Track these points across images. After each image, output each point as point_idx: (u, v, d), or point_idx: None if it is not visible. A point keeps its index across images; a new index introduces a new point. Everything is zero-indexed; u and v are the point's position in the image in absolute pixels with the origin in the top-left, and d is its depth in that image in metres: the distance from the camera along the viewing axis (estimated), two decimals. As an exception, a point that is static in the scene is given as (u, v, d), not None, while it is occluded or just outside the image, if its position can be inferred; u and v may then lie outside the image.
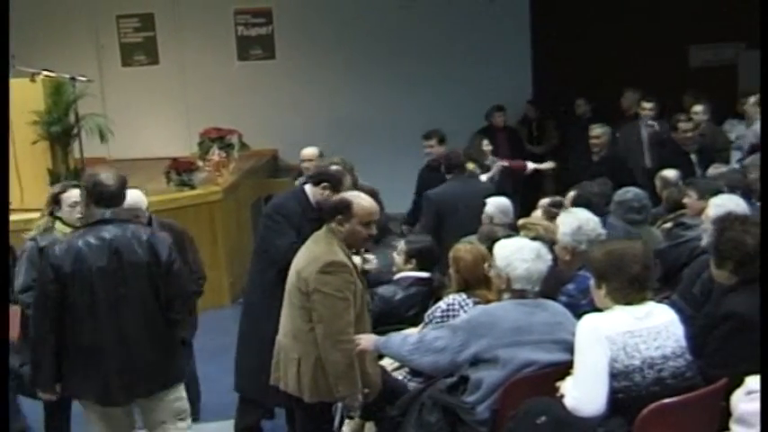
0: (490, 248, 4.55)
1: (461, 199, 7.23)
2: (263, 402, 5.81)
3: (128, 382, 4.60)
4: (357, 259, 4.91)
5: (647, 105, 9.59)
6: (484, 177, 8.71)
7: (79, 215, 5.43)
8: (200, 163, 9.60)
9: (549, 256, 4.35)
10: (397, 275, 5.69)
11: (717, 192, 5.79)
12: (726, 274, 4.09)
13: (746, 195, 5.98)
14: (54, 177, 8.12)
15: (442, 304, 4.90)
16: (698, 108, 9.31)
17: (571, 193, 6.16)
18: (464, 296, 4.87)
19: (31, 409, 5.79)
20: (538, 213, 6.46)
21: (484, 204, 6.69)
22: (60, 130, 8.21)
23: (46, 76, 8.25)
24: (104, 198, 4.61)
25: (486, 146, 9.31)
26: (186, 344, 6.41)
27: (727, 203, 5.22)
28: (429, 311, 4.98)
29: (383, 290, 5.51)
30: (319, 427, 4.89)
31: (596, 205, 5.95)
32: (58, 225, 5.56)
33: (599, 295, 3.92)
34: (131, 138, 11.36)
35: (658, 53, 11.70)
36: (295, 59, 12.41)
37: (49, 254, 4.59)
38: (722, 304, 4.00)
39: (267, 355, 4.98)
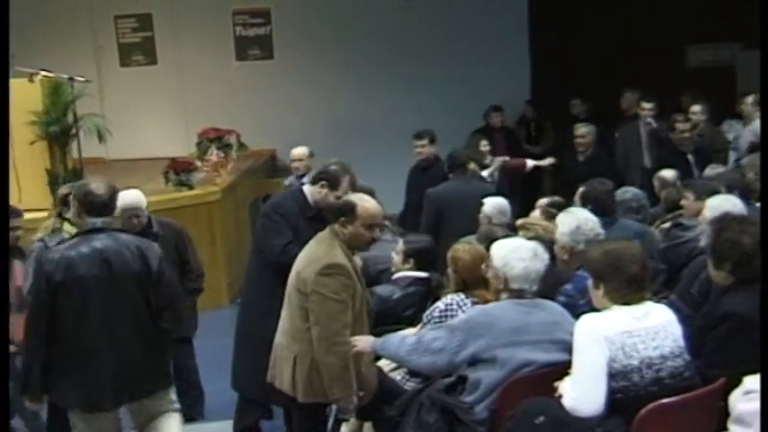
0: (489, 248, 4.55)
1: (462, 198, 7.21)
2: (261, 402, 5.81)
3: (117, 389, 4.63)
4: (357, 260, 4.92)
5: (647, 106, 9.59)
6: (485, 173, 8.72)
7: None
8: (198, 163, 9.61)
9: (545, 256, 4.35)
10: (395, 275, 5.68)
11: (714, 192, 5.79)
12: (723, 275, 4.10)
13: (744, 195, 5.98)
14: (52, 177, 8.13)
15: (440, 304, 4.90)
16: (696, 108, 9.31)
17: (580, 190, 6.14)
18: (462, 296, 4.87)
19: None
20: (536, 213, 6.46)
21: (482, 204, 6.69)
22: (58, 130, 8.21)
23: (44, 76, 8.25)
24: (95, 207, 4.64)
25: (485, 146, 9.30)
26: (188, 342, 6.47)
27: (724, 204, 5.22)
28: (427, 311, 4.98)
29: (381, 289, 5.51)
30: (316, 426, 4.90)
31: (604, 202, 5.93)
32: (66, 226, 5.59)
33: (597, 295, 3.92)
34: (130, 138, 11.36)
35: (656, 53, 11.71)
36: (293, 60, 12.41)
37: (41, 263, 4.62)
38: (720, 304, 4.00)
39: (264, 355, 4.98)
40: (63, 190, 5.88)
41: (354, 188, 5.71)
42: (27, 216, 6.24)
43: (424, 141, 8.68)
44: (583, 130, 9.36)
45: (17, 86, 7.61)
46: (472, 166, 8.11)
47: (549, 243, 5.04)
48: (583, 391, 3.73)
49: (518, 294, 4.24)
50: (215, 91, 12.33)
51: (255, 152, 11.11)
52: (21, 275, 5.75)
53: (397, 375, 4.94)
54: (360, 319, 4.62)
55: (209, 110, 11.60)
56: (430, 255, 5.72)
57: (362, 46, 12.18)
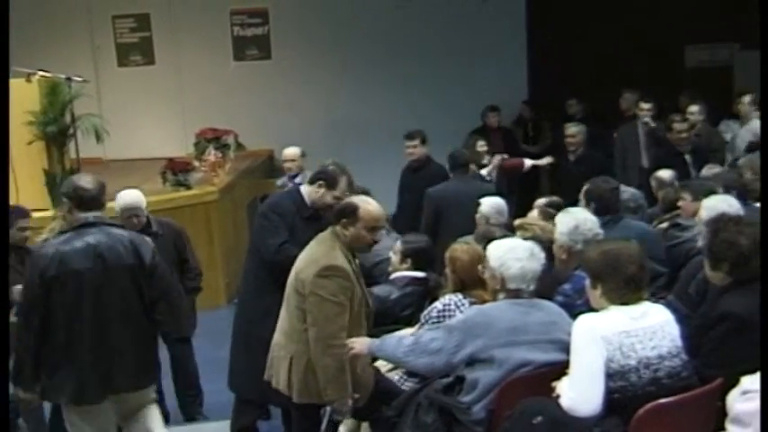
0: (486, 249, 4.55)
1: (462, 198, 7.19)
2: (258, 402, 5.82)
3: (110, 381, 4.68)
4: None
5: (645, 106, 9.59)
6: (483, 172, 8.71)
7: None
8: (196, 163, 9.62)
9: (542, 255, 4.35)
10: (393, 275, 5.68)
11: (711, 192, 5.79)
12: (721, 276, 4.09)
13: (742, 196, 5.98)
14: (50, 178, 8.13)
15: (438, 304, 4.90)
16: (693, 108, 9.32)
17: (584, 188, 6.14)
18: (460, 296, 4.87)
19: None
20: (534, 213, 6.46)
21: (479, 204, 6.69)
22: (56, 130, 8.21)
23: (42, 76, 8.25)
24: (85, 202, 4.66)
25: (482, 146, 9.30)
26: (187, 342, 6.48)
27: (719, 205, 5.22)
28: (425, 312, 4.98)
29: (378, 290, 5.50)
30: (314, 426, 4.90)
31: (608, 200, 5.92)
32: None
33: (594, 296, 3.92)
34: (127, 138, 11.37)
35: (654, 53, 11.72)
36: (291, 60, 12.42)
37: (34, 259, 4.64)
38: (718, 305, 4.00)
39: (261, 356, 4.99)
40: None
41: (352, 188, 5.71)
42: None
43: (416, 142, 8.63)
44: (573, 130, 9.31)
45: (15, 86, 7.60)
46: (471, 166, 8.12)
47: (546, 243, 5.04)
48: (580, 391, 3.73)
49: (515, 294, 4.24)
50: (213, 91, 12.34)
51: (253, 152, 11.12)
52: None
53: (395, 376, 4.93)
54: (358, 321, 4.62)
55: (207, 110, 11.61)
56: (427, 255, 5.72)
57: (360, 46, 12.18)
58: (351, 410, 4.67)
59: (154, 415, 4.98)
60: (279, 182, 8.79)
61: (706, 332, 3.97)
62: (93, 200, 4.67)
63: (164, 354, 6.44)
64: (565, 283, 4.78)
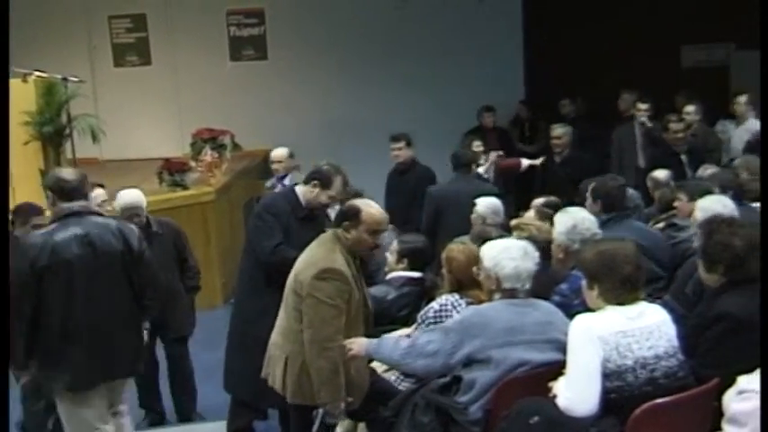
0: (482, 249, 4.55)
1: (463, 198, 7.15)
2: (253, 404, 5.81)
3: (105, 368, 4.78)
4: None
5: (643, 106, 9.58)
6: (481, 170, 8.70)
7: (105, 213, 5.59)
8: (192, 163, 9.61)
9: (536, 254, 4.35)
10: (389, 275, 5.68)
11: (706, 193, 5.78)
12: (716, 278, 4.09)
13: (737, 196, 5.98)
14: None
15: (434, 305, 4.89)
16: (690, 108, 9.31)
17: (591, 185, 6.14)
18: (457, 297, 4.87)
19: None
20: (530, 214, 6.46)
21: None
22: (52, 130, 8.20)
23: (38, 76, 8.25)
24: (67, 192, 4.76)
25: (477, 146, 9.29)
26: (183, 342, 6.48)
27: (714, 206, 5.21)
28: (422, 312, 4.98)
29: (375, 290, 5.50)
30: (307, 427, 4.90)
31: (614, 198, 5.91)
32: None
33: (591, 296, 3.92)
34: (124, 138, 11.36)
35: (650, 53, 11.72)
36: (287, 60, 12.41)
37: (24, 249, 4.68)
38: (714, 305, 4.00)
39: (257, 357, 4.99)
40: None
41: (346, 187, 5.73)
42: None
43: (401, 144, 8.54)
44: (559, 131, 9.26)
45: (11, 86, 7.62)
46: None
47: (542, 243, 5.04)
48: (577, 391, 3.73)
49: (511, 294, 4.24)
50: (209, 91, 12.32)
51: (250, 153, 11.10)
52: None
53: (392, 376, 4.93)
54: (355, 324, 4.62)
55: (204, 110, 11.59)
56: (424, 255, 5.72)
57: (356, 46, 12.18)
58: (343, 413, 4.68)
59: (126, 418, 5.10)
60: (268, 183, 8.75)
61: (702, 332, 3.97)
62: (74, 190, 4.77)
63: (160, 354, 6.46)
64: (562, 282, 4.79)
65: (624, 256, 3.87)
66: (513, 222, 5.88)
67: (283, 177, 8.28)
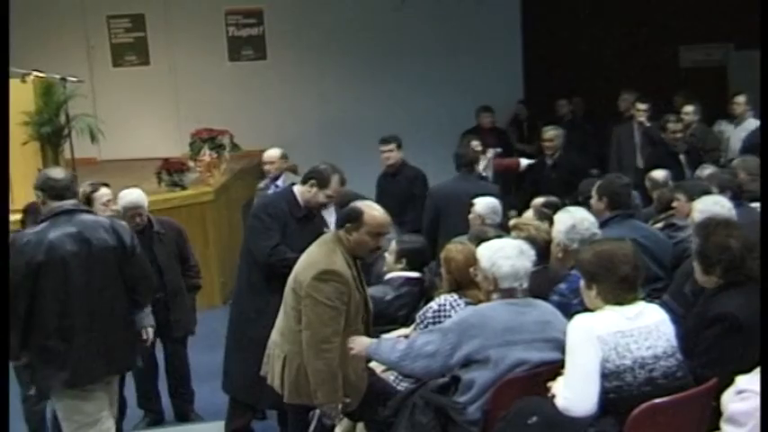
0: (480, 249, 4.55)
1: (464, 197, 7.11)
2: (251, 404, 5.81)
3: (97, 364, 4.79)
4: None
5: (642, 107, 9.58)
6: (480, 167, 8.69)
7: (111, 213, 5.71)
8: (191, 163, 9.61)
9: (532, 253, 4.34)
10: (388, 275, 5.68)
11: (705, 193, 5.78)
12: (714, 280, 4.08)
13: (736, 196, 5.99)
14: (44, 178, 8.09)
15: (433, 305, 4.89)
16: (689, 108, 9.32)
17: (596, 184, 6.14)
18: (456, 297, 4.86)
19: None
20: (529, 214, 6.45)
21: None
22: (51, 130, 8.20)
23: (36, 76, 8.25)
24: (57, 190, 4.81)
25: (476, 146, 9.26)
26: (182, 342, 6.48)
27: (711, 207, 5.21)
28: (420, 312, 4.97)
29: (374, 290, 5.49)
30: (304, 428, 4.90)
31: (620, 196, 5.91)
32: (104, 219, 5.58)
33: (589, 296, 3.92)
34: (122, 138, 11.36)
35: (649, 53, 11.74)
36: (286, 60, 12.42)
37: (18, 247, 4.69)
38: (713, 305, 4.00)
39: (254, 357, 5.00)
40: (84, 189, 5.89)
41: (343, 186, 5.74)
42: (18, 217, 6.23)
43: (392, 146, 8.44)
44: (551, 134, 9.15)
45: (10, 87, 7.59)
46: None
47: (541, 243, 5.05)
48: (576, 392, 3.73)
49: (509, 294, 4.24)
50: (208, 91, 12.33)
51: (248, 153, 11.08)
52: None
53: (390, 376, 4.93)
54: (355, 326, 4.62)
55: (202, 110, 11.60)
56: (422, 255, 5.72)
57: (355, 47, 12.18)
58: (340, 415, 4.68)
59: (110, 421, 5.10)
60: (261, 184, 8.72)
61: (701, 332, 3.97)
62: (64, 189, 4.83)
63: (159, 354, 6.46)
64: (561, 282, 4.79)
65: (622, 255, 3.87)
66: (512, 222, 5.88)
67: (276, 178, 8.26)
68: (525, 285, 4.26)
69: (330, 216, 6.12)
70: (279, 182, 8.08)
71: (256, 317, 5.37)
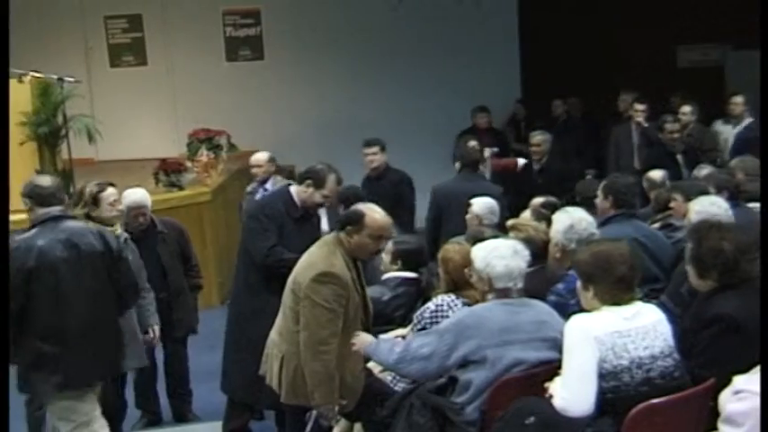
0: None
1: (465, 196, 7.08)
2: (249, 404, 5.81)
3: (89, 368, 4.84)
4: None
5: (640, 107, 9.58)
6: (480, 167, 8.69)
7: (117, 213, 5.75)
8: (188, 164, 9.61)
9: (526, 253, 4.34)
10: (385, 276, 5.68)
11: (702, 193, 5.79)
12: (709, 283, 4.05)
13: (733, 197, 5.99)
14: (42, 179, 8.08)
15: (430, 305, 4.88)
16: (686, 109, 9.33)
17: (602, 183, 6.14)
18: (453, 297, 4.85)
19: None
20: (527, 214, 6.45)
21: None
22: (48, 131, 8.19)
23: (34, 76, 8.25)
24: (44, 197, 4.87)
25: (475, 147, 9.25)
26: (181, 343, 6.48)
27: (708, 208, 5.20)
28: (418, 312, 4.96)
29: (371, 291, 5.48)
30: (301, 429, 4.91)
31: (625, 195, 5.91)
32: (91, 225, 5.58)
33: (586, 297, 3.92)
34: (120, 139, 11.34)
35: (646, 54, 11.73)
36: (283, 60, 12.41)
37: (11, 255, 4.71)
38: (710, 306, 4.00)
39: (252, 357, 5.00)
40: (91, 189, 5.81)
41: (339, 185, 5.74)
42: (15, 217, 6.21)
43: (375, 149, 8.26)
44: (538, 138, 9.12)
45: (7, 87, 7.60)
46: (457, 165, 8.07)
47: (539, 243, 5.05)
48: (573, 392, 3.73)
49: (504, 294, 4.24)
50: (205, 92, 12.32)
51: (246, 153, 11.07)
52: None
53: (388, 376, 4.93)
54: (353, 327, 4.62)
55: (200, 111, 11.59)
56: (418, 256, 5.72)
57: (353, 47, 12.18)
58: (336, 416, 4.68)
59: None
60: (248, 188, 8.69)
61: (698, 333, 3.97)
62: (51, 196, 4.88)
63: (158, 355, 6.45)
64: (558, 282, 4.79)
65: (619, 256, 3.87)
66: (510, 223, 5.88)
67: (264, 182, 8.25)
68: (520, 285, 4.26)
69: (323, 216, 6.13)
70: (267, 185, 8.07)
71: (254, 317, 5.37)
